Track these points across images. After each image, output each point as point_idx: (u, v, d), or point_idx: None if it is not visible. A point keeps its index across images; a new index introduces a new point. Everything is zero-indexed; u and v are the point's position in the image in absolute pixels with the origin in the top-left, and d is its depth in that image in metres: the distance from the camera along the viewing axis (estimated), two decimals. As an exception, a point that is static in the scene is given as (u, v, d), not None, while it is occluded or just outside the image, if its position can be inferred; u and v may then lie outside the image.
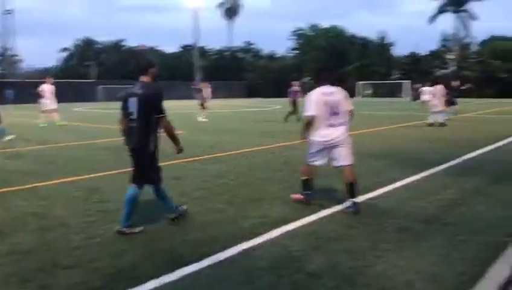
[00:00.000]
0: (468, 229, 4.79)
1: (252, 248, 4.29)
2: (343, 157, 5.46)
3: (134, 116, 4.64)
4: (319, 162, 5.60)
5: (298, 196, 5.84)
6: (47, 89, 18.15)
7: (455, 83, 24.55)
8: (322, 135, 5.42)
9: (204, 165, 8.70)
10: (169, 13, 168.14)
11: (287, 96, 21.10)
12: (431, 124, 16.88)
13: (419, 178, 7.43)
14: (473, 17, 60.39)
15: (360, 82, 59.32)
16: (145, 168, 4.76)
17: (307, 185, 5.77)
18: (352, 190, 5.46)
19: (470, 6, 59.85)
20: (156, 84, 4.94)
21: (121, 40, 78.33)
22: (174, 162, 8.89)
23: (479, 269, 3.77)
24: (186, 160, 9.15)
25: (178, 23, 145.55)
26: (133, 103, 4.64)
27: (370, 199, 6.08)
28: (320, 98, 5.41)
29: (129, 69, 60.58)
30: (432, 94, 17.62)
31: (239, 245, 4.34)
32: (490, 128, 15.71)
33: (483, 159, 9.44)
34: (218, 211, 5.51)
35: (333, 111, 5.38)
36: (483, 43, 60.79)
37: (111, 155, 9.96)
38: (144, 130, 4.62)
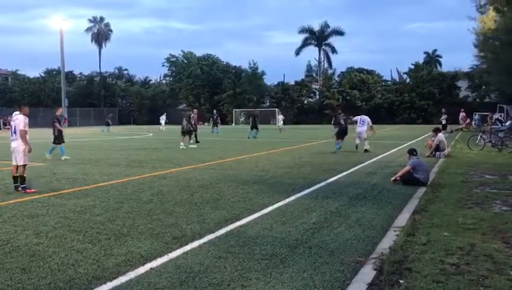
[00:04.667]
0: (328, 251, 5.03)
1: (113, 290, 3.99)
2: (19, 159, 8.95)
3: None
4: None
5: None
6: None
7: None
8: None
9: (67, 200, 8.01)
10: (33, 36, 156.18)
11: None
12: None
13: (287, 203, 7.71)
14: (334, 50, 66.24)
15: (236, 109, 60.98)
16: None
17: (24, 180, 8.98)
18: (20, 180, 8.87)
19: (331, 40, 65.67)
20: None
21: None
22: (30, 198, 8.08)
23: (338, 290, 3.95)
24: (44, 195, 8.37)
25: (43, 46, 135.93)
26: None
27: (240, 226, 6.11)
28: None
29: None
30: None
31: (99, 288, 4.01)
32: (352, 153, 17.05)
33: (345, 182, 10.15)
34: (79, 251, 5.07)
35: (13, 130, 9.06)
36: (343, 74, 66.67)
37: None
38: None
